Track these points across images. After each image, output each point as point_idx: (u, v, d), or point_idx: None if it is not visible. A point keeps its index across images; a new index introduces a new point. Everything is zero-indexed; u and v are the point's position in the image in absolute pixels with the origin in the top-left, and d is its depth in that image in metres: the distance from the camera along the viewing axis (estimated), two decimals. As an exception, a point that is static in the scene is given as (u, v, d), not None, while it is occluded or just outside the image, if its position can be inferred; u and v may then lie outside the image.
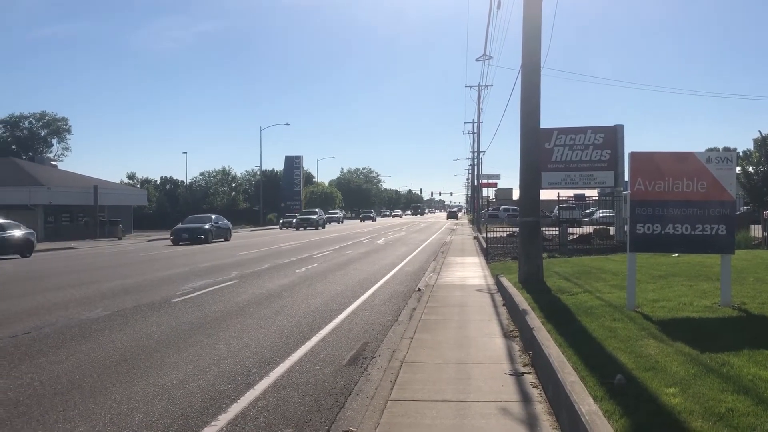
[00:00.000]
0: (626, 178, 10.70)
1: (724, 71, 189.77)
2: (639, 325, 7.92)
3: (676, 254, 15.45)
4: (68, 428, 5.38)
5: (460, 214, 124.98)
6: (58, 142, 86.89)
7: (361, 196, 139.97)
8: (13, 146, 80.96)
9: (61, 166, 68.75)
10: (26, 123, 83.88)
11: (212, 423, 5.48)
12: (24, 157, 70.95)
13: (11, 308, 11.93)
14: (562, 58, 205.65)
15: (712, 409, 4.71)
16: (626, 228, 10.51)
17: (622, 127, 25.56)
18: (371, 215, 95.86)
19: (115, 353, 8.16)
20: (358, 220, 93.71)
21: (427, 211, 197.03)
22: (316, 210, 62.01)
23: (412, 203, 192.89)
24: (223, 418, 5.59)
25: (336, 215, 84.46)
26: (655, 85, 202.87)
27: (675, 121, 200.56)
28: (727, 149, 75.12)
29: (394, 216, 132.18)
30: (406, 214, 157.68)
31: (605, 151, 25.14)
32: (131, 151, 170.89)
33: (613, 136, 25.29)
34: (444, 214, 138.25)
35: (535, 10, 13.07)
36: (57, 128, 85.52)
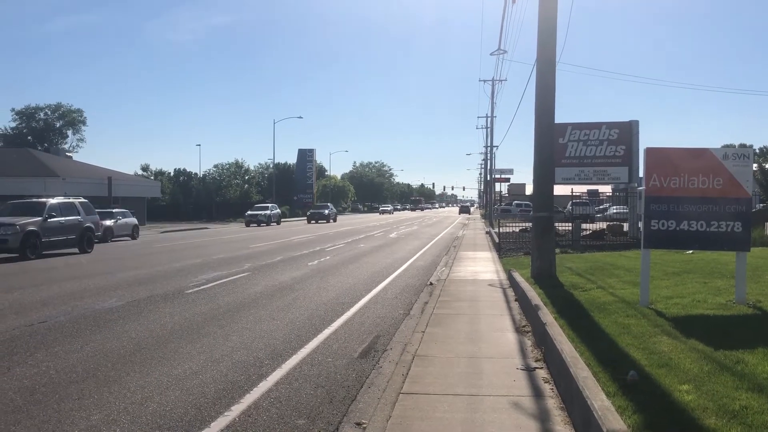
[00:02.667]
0: (641, 174, 10.65)
1: (741, 67, 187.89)
2: (652, 321, 7.88)
3: (691, 251, 15.34)
4: (83, 416, 5.44)
5: (472, 209, 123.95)
6: (73, 134, 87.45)
7: (373, 189, 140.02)
8: (29, 137, 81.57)
9: (76, 157, 69.17)
10: (42, 114, 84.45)
11: (225, 413, 5.52)
12: (39, 148, 71.51)
13: (27, 298, 12.06)
14: (578, 53, 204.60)
15: (726, 406, 4.68)
16: (640, 224, 10.45)
17: (637, 122, 25.37)
18: (325, 212, 61.85)
19: (129, 343, 8.23)
20: (306, 221, 62.50)
21: (437, 205, 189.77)
22: (113, 210, 34.38)
23: (410, 197, 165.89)
24: (236, 409, 5.63)
25: (263, 211, 53.94)
26: (670, 81, 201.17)
27: (690, 117, 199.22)
28: (743, 146, 74.50)
29: (382, 212, 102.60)
30: (403, 209, 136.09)
31: (620, 147, 24.96)
32: (145, 143, 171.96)
33: (627, 131, 25.11)
34: (455, 209, 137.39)
35: (551, 6, 12.98)
36: (72, 119, 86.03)
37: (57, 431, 5.11)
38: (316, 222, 59.52)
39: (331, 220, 61.80)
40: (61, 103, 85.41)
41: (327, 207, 65.20)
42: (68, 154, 69.03)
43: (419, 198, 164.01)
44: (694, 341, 6.71)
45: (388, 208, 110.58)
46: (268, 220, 53.23)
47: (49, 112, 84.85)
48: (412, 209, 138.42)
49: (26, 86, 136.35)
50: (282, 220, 60.29)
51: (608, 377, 5.49)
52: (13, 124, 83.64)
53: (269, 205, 57.24)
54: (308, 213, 65.08)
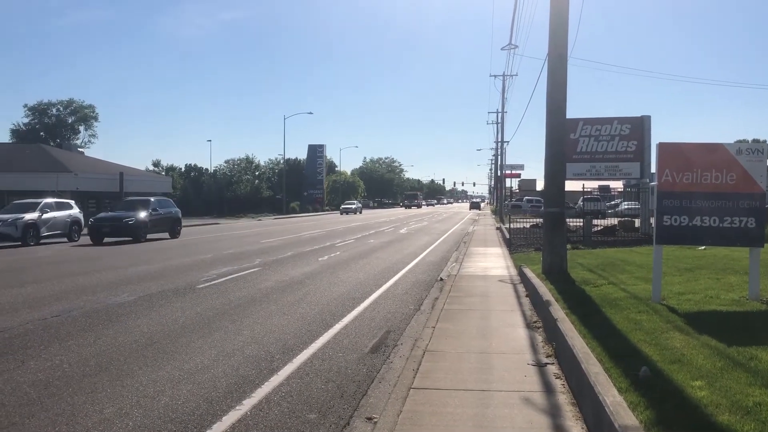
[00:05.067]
0: (653, 170, 10.57)
1: (754, 62, 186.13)
2: (664, 317, 7.83)
3: (703, 247, 15.23)
4: (97, 410, 5.48)
5: (482, 205, 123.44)
6: (85, 129, 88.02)
7: (383, 185, 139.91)
8: (41, 133, 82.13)
9: (87, 153, 69.79)
10: (54, 110, 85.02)
11: (237, 407, 5.54)
12: (52, 143, 72.01)
13: (40, 292, 12.15)
14: (589, 48, 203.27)
15: (739, 402, 4.65)
16: (652, 220, 10.39)
17: (648, 117, 25.18)
18: (127, 222, 26.68)
19: (141, 337, 8.28)
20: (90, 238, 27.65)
21: (446, 200, 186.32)
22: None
23: (406, 191, 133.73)
24: (248, 403, 5.66)
25: (13, 215, 25.11)
26: (682, 76, 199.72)
27: (703, 112, 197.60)
28: (756, 141, 73.93)
29: (344, 212, 73.55)
30: (388, 206, 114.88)
31: (631, 142, 24.79)
32: (157, 139, 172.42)
33: (639, 126, 24.93)
34: (466, 205, 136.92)
35: (562, 1, 12.90)
36: (84, 115, 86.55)
37: (71, 424, 5.15)
38: (138, 241, 27.09)
39: (171, 234, 30.30)
40: (73, 99, 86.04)
41: (147, 203, 29.22)
42: (80, 149, 69.52)
43: (414, 193, 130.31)
44: (707, 337, 6.67)
45: (353, 206, 77.23)
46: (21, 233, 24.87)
47: (61, 108, 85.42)
48: (407, 206, 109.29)
49: (38, 82, 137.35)
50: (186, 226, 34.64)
51: (620, 373, 5.46)
52: (26, 120, 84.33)
53: (42, 201, 27.36)
54: (90, 221, 28.24)
